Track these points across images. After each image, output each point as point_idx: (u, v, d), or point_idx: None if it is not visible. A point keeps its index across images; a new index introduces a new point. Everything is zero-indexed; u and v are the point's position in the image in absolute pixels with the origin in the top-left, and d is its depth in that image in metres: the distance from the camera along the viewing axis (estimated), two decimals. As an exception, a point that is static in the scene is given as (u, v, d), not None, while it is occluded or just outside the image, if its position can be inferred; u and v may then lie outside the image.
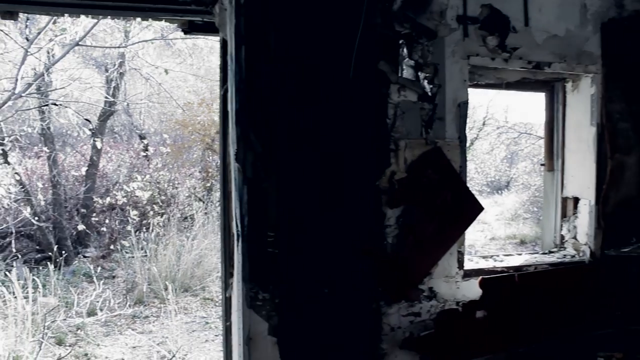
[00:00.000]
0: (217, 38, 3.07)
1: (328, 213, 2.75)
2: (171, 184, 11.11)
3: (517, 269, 3.17)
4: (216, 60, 11.95)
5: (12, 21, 3.13)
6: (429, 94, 2.83)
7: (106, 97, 10.42)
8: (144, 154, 11.78)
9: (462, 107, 2.93)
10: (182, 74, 11.48)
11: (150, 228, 9.10)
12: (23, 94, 6.92)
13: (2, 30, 6.67)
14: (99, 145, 10.46)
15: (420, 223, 2.85)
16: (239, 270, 2.61)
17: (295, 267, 2.71)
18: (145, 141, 11.90)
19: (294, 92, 2.62)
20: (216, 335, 6.97)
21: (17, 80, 6.48)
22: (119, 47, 8.78)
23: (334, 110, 2.71)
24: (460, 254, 2.99)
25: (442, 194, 2.89)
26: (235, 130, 2.54)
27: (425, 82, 2.82)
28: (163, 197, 10.62)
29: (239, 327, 2.64)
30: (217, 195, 10.81)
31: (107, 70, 10.64)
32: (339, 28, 2.71)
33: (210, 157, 11.62)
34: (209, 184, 11.37)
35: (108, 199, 10.60)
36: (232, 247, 2.76)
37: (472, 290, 2.98)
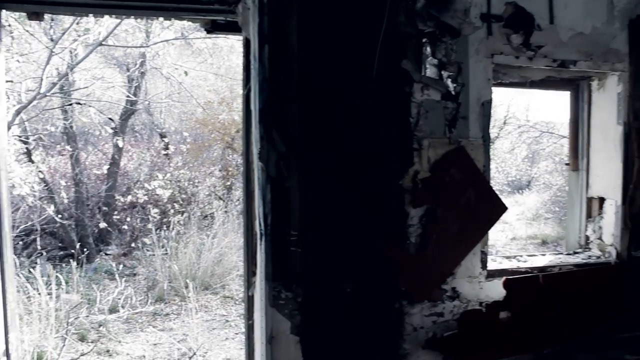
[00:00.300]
0: (239, 37, 3.08)
1: (351, 212, 2.75)
2: (191, 182, 11.17)
3: (542, 269, 3.13)
4: (236, 59, 12.03)
5: (37, 22, 3.15)
6: (453, 92, 2.81)
7: (128, 96, 10.51)
8: (165, 153, 11.86)
9: (486, 106, 2.90)
10: (202, 73, 11.53)
11: (171, 226, 9.17)
12: (48, 94, 7.01)
13: (27, 31, 6.78)
14: (120, 144, 10.55)
15: (443, 223, 2.82)
16: (262, 269, 2.61)
17: (317, 266, 2.71)
18: (166, 140, 11.99)
19: (317, 91, 2.62)
20: (236, 334, 7.01)
21: (42, 79, 6.57)
22: (141, 46, 8.85)
23: (357, 109, 2.70)
24: (484, 254, 2.96)
25: (466, 194, 2.86)
26: (259, 129, 2.54)
27: (449, 81, 2.80)
28: (183, 196, 10.69)
29: (262, 326, 2.64)
30: (236, 194, 10.86)
31: (128, 70, 10.73)
32: (362, 27, 2.70)
33: (230, 156, 11.66)
34: (228, 183, 11.41)
35: (129, 197, 10.69)
36: (255, 246, 2.77)
37: (495, 290, 2.95)
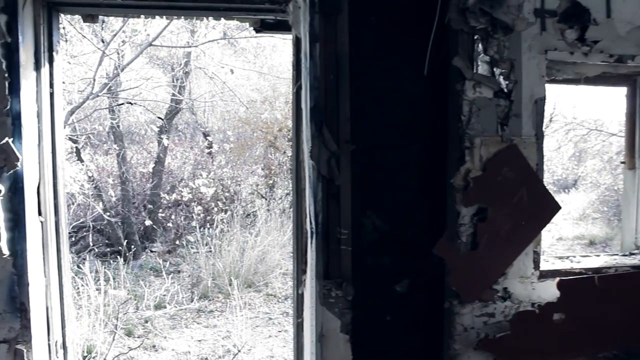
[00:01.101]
0: (287, 36, 3.09)
1: (400, 211, 2.74)
2: (234, 181, 11.28)
3: (596, 271, 3.05)
4: (279, 58, 12.11)
5: (89, 24, 3.23)
6: (505, 90, 2.76)
7: (173, 95, 10.69)
8: (208, 152, 12.01)
9: (539, 104, 2.84)
10: (245, 72, 11.63)
11: (215, 224, 9.27)
12: (100, 94, 7.19)
13: (80, 33, 6.97)
14: (165, 142, 10.73)
15: (494, 222, 2.78)
16: (313, 268, 2.62)
17: (368, 265, 2.71)
18: (210, 138, 12.14)
19: (368, 89, 2.62)
20: (279, 331, 7.05)
21: (94, 80, 6.76)
22: (189, 46, 8.98)
23: (408, 107, 2.69)
24: (536, 254, 2.90)
25: (518, 193, 2.81)
26: (310, 127, 2.55)
27: (501, 78, 2.76)
28: (226, 194, 10.81)
29: (312, 324, 2.65)
30: (279, 192, 10.92)
31: (173, 70, 10.91)
32: (413, 24, 2.69)
33: (273, 155, 11.74)
34: (271, 181, 11.49)
35: (174, 195, 10.86)
36: (305, 245, 2.78)
37: (548, 291, 2.89)
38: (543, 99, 2.85)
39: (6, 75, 2.38)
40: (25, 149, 2.48)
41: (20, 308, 2.49)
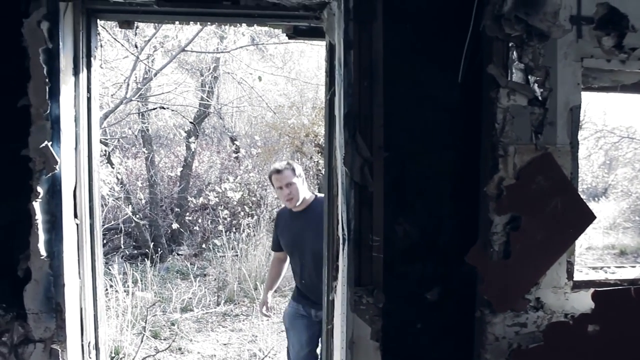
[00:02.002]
0: (320, 42, 3.11)
1: (433, 218, 2.73)
2: (260, 185, 11.35)
3: (632, 282, 2.99)
4: (306, 64, 12.18)
5: (126, 29, 3.28)
6: (540, 98, 2.74)
7: (202, 100, 10.80)
8: (235, 156, 12.10)
9: (575, 112, 2.80)
10: (272, 77, 11.72)
11: (241, 228, 9.33)
12: (133, 98, 7.33)
13: (115, 39, 7.10)
14: (192, 147, 10.84)
15: (527, 231, 2.75)
16: (344, 274, 2.63)
17: (399, 272, 2.71)
18: (237, 143, 12.23)
19: (401, 96, 2.62)
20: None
21: (128, 85, 6.89)
22: (221, 52, 9.09)
23: (441, 114, 2.69)
24: (570, 264, 2.86)
25: (552, 202, 2.78)
26: (343, 134, 2.56)
27: (536, 86, 2.73)
28: (253, 199, 10.87)
29: (342, 331, 2.65)
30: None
31: (202, 74, 11.03)
32: (447, 32, 2.68)
33: (299, 160, 11.78)
34: (297, 186, 11.51)
35: (201, 199, 10.96)
36: (336, 251, 2.78)
37: (582, 302, 2.85)
38: (578, 107, 2.81)
39: (47, 80, 2.43)
40: (63, 152, 2.53)
41: (55, 308, 2.53)
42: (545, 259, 2.81)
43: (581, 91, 2.83)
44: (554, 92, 2.75)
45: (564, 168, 2.79)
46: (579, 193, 2.87)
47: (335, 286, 2.82)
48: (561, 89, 2.78)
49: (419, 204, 2.73)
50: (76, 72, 2.67)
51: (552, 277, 2.83)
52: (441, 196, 2.76)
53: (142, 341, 5.90)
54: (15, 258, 2.51)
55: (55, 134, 2.49)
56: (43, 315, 2.52)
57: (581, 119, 2.96)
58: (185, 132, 11.36)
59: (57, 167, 2.48)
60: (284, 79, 11.94)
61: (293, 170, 4.28)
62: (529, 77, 2.72)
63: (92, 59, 2.79)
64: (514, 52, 2.71)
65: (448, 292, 2.79)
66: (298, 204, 4.23)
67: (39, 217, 2.47)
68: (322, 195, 3.91)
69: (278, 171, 4.24)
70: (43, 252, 2.48)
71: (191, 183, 11.83)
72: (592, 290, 2.82)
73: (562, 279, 2.85)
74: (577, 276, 2.98)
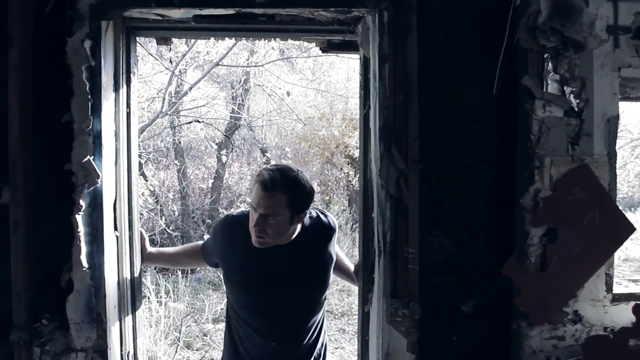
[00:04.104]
0: (353, 55, 3.14)
1: (468, 230, 2.73)
2: (290, 196, 11.38)
3: (674, 295, 2.94)
4: (336, 75, 12.26)
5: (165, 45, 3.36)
6: (576, 109, 2.72)
7: (233, 113, 10.94)
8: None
9: (612, 122, 2.77)
10: (302, 89, 11.82)
11: (272, 239, 9.35)
12: (169, 112, 7.48)
13: (151, 54, 7.28)
14: (224, 159, 10.96)
15: (564, 243, 2.72)
16: (380, 286, 2.64)
17: (434, 284, 2.70)
18: (268, 155, 12.34)
19: (436, 108, 2.63)
20: (336, 348, 7.04)
21: (164, 99, 7.04)
22: (254, 65, 9.21)
23: (476, 126, 2.69)
24: (609, 277, 2.82)
25: (589, 213, 2.75)
26: (379, 147, 2.58)
27: (572, 97, 2.71)
28: (283, 210, 10.91)
29: (378, 343, 2.66)
30: (335, 208, 10.97)
31: (233, 87, 11.18)
32: (481, 44, 2.69)
33: (329, 171, 11.83)
34: (327, 197, 11.55)
35: (231, 210, 11.05)
36: (371, 263, 2.79)
37: (621, 316, 2.80)
38: (616, 117, 2.78)
39: (89, 96, 2.51)
40: (104, 166, 2.59)
41: (96, 319, 2.59)
42: (583, 271, 2.77)
43: (618, 101, 2.80)
44: (590, 102, 2.73)
45: (601, 179, 2.76)
46: (617, 204, 2.83)
47: (371, 298, 2.83)
48: (598, 100, 2.75)
49: (454, 216, 2.73)
50: (116, 88, 2.74)
51: (590, 290, 2.79)
52: (476, 208, 2.75)
53: (176, 351, 5.97)
54: (58, 269, 2.58)
55: (96, 148, 2.56)
56: (84, 325, 2.58)
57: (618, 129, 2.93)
58: (216, 144, 11.49)
59: (99, 181, 2.54)
60: (314, 91, 12.03)
61: (290, 198, 2.69)
62: (565, 88, 2.70)
63: (131, 75, 2.86)
64: (549, 64, 2.69)
65: (484, 305, 2.77)
66: (269, 246, 2.81)
67: (81, 229, 2.53)
68: (317, 213, 3.07)
69: (266, 188, 2.65)
70: (85, 263, 2.54)
71: (222, 195, 11.95)
72: (632, 303, 2.77)
73: (601, 292, 2.81)
74: (617, 289, 2.93)
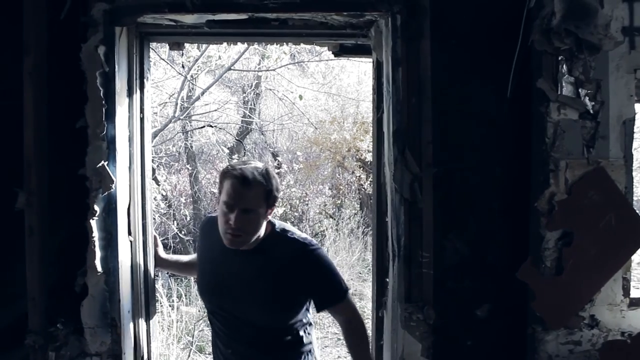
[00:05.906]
0: (365, 59, 3.13)
1: (482, 234, 2.71)
2: (302, 200, 11.41)
3: (693, 299, 2.90)
4: (347, 79, 12.26)
5: (178, 50, 3.37)
6: (591, 111, 2.69)
7: (245, 117, 10.97)
8: (277, 171, 12.21)
9: (628, 125, 2.74)
10: (314, 92, 11.83)
11: (283, 243, 9.36)
12: (181, 117, 7.51)
13: (164, 59, 7.32)
14: (236, 163, 10.98)
15: (580, 247, 2.70)
16: (394, 290, 2.62)
17: (448, 289, 2.69)
18: (279, 158, 12.36)
19: (450, 112, 2.62)
20: (348, 352, 6.99)
21: (177, 104, 7.08)
22: (266, 70, 9.24)
23: (490, 129, 2.68)
24: (626, 281, 2.79)
25: (605, 217, 2.72)
26: (392, 151, 2.57)
27: (587, 99, 2.69)
28: (295, 214, 10.94)
29: (393, 347, 2.65)
30: (346, 212, 10.96)
31: (244, 92, 11.22)
32: (495, 47, 2.68)
33: (341, 175, 11.83)
34: (339, 201, 11.55)
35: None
36: (385, 267, 2.78)
37: (639, 320, 2.77)
38: (632, 119, 2.75)
39: (103, 102, 2.52)
40: (118, 171, 2.60)
41: (111, 323, 2.60)
42: (599, 275, 2.75)
43: (634, 103, 2.77)
44: (605, 105, 2.71)
45: (617, 182, 2.73)
46: (634, 207, 2.81)
47: (385, 302, 2.82)
48: (613, 102, 2.72)
49: (469, 219, 2.71)
50: (130, 94, 2.75)
51: (607, 294, 2.76)
52: (491, 212, 2.73)
53: (189, 355, 5.97)
54: (72, 274, 2.59)
55: (111, 153, 2.57)
56: (99, 329, 2.59)
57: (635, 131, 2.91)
58: (227, 148, 11.52)
59: (113, 186, 2.55)
60: (325, 95, 12.04)
61: (268, 189, 2.68)
62: (580, 90, 2.68)
63: (144, 80, 2.88)
64: (564, 66, 2.67)
65: (498, 309, 2.75)
66: (242, 248, 2.72)
67: (96, 234, 2.54)
68: (285, 227, 2.92)
69: (245, 182, 2.59)
70: (99, 268, 2.55)
71: (233, 198, 11.95)
72: (650, 308, 2.75)
73: (618, 296, 2.78)
74: (634, 293, 2.90)
